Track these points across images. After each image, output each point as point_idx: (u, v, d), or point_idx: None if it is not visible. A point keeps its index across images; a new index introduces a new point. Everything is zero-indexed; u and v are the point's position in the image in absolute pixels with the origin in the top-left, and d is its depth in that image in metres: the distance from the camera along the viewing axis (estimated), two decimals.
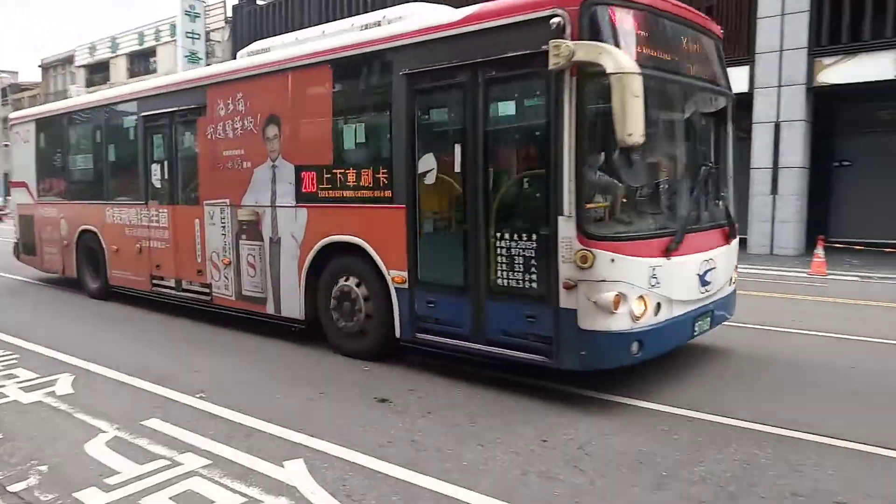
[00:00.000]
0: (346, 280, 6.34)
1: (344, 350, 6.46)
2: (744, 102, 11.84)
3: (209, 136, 7.62)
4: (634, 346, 4.81)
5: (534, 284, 4.97)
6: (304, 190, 6.60)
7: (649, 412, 4.83)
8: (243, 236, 7.34)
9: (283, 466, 3.89)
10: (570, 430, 4.49)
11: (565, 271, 4.74)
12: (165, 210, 8.39)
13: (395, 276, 5.84)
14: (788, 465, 3.92)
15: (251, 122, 7.10)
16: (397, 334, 5.93)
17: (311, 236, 6.57)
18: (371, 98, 6.12)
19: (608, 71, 4.28)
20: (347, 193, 6.20)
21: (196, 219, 7.91)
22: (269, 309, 7.13)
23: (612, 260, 4.66)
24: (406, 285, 5.77)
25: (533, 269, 4.96)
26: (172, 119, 8.14)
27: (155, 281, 8.70)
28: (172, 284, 8.41)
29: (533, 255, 4.95)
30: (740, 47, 15.86)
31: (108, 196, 9.50)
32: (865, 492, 3.61)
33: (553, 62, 4.56)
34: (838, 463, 3.96)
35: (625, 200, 4.93)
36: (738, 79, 14.68)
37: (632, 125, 4.20)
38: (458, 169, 5.35)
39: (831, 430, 4.39)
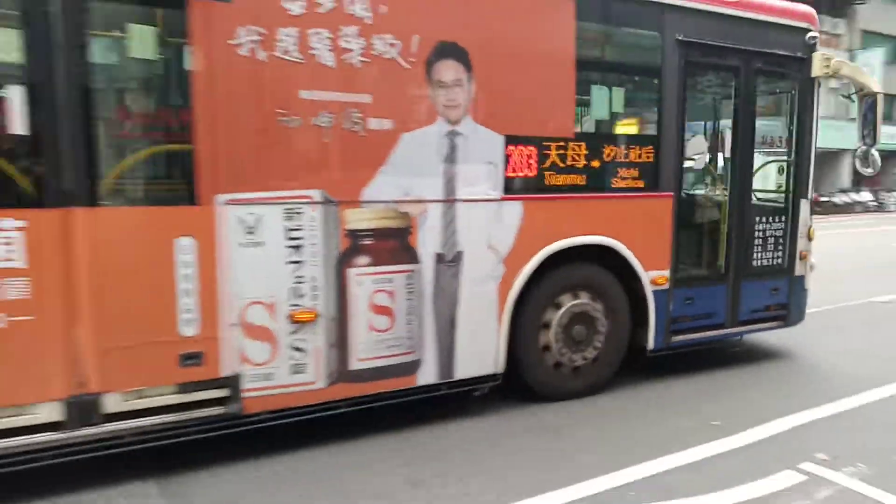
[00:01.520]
0: (573, 298, 4.67)
1: (560, 392, 4.73)
2: None
3: (242, 52, 3.40)
4: None
5: (779, 260, 5.62)
6: (512, 174, 4.27)
7: None
8: (361, 259, 3.83)
9: None
10: None
11: (802, 245, 5.71)
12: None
13: (656, 277, 4.93)
14: None
15: (394, 45, 3.78)
16: (650, 346, 5.01)
17: (526, 243, 4.36)
18: (633, 56, 4.67)
19: (874, 90, 5.58)
20: (593, 179, 4.58)
21: (179, 238, 3.35)
22: (424, 377, 4.12)
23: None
24: (666, 286, 5.00)
25: (780, 246, 5.60)
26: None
27: None
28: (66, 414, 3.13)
29: (781, 234, 5.59)
30: None
31: None
32: None
33: (821, 70, 5.42)
34: None
35: None
36: None
37: (878, 134, 5.69)
38: (728, 153, 5.19)
39: None
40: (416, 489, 3.51)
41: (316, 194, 3.67)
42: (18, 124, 3.04)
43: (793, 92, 5.54)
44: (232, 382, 3.57)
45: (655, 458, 3.86)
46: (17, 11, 3.06)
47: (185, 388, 3.48)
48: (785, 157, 5.61)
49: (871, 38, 30.73)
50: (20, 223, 3.04)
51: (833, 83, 9.93)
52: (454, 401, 4.43)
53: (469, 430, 4.28)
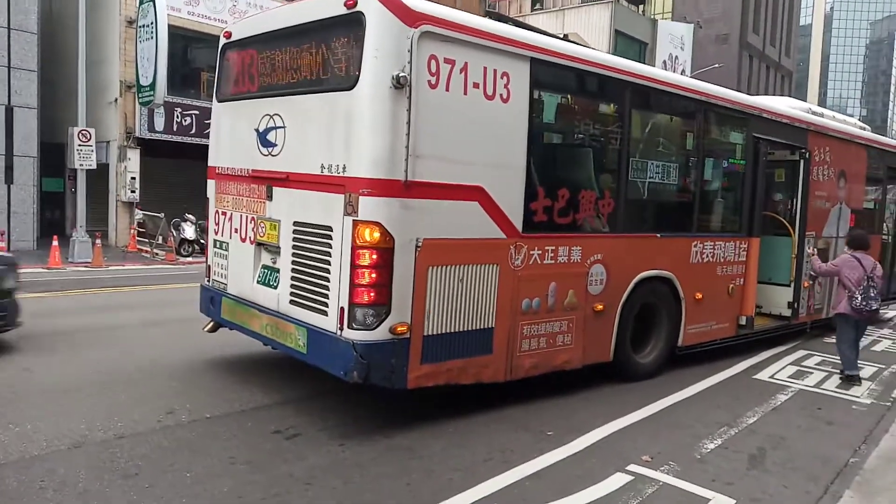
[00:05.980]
0: None
1: None
2: None
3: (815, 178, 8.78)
4: None
5: None
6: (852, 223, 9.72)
7: None
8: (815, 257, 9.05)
9: None
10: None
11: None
12: None
13: None
14: None
15: (835, 173, 9.20)
16: None
17: None
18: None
19: None
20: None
21: None
22: (825, 314, 9.38)
23: None
24: None
25: None
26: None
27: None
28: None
29: None
30: None
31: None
32: None
33: None
34: None
35: None
36: None
37: None
38: None
39: None
40: None
41: (812, 234, 8.87)
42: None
43: None
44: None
45: (506, 471, 4.11)
46: None
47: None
48: None
49: None
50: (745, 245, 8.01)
51: None
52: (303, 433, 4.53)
53: (334, 455, 4.28)
